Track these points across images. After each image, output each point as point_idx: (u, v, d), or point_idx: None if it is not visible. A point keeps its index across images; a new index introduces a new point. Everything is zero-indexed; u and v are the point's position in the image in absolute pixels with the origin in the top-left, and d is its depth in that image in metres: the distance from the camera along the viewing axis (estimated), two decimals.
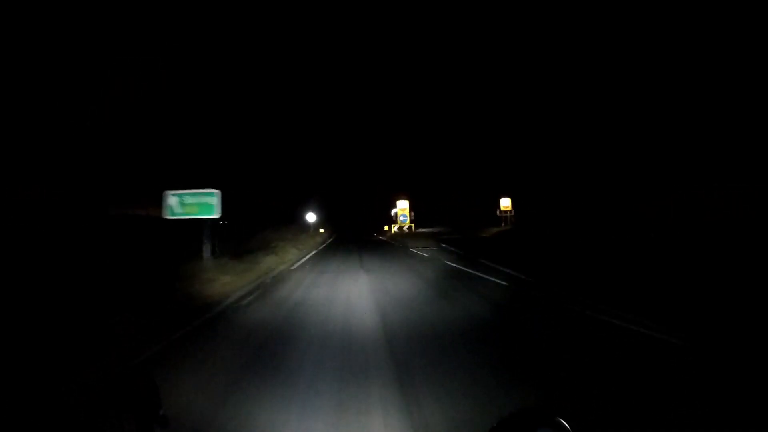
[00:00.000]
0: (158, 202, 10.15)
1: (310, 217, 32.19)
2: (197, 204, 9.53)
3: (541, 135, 36.38)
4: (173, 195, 9.88)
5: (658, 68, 21.67)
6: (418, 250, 17.30)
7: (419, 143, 72.20)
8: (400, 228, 34.27)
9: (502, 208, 35.40)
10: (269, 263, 11.47)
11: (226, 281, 8.25)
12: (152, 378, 1.27)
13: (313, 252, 18.21)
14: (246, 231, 20.22)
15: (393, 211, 37.78)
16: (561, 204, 30.30)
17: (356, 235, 39.42)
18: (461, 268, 10.57)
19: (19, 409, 2.76)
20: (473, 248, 17.24)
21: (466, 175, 45.75)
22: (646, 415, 2.65)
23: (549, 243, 18.65)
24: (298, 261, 13.79)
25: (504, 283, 7.93)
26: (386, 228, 41.50)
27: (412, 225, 34.63)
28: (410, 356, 3.84)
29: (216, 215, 9.45)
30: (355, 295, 7.16)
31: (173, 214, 9.89)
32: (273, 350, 4.18)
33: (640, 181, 21.18)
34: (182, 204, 9.78)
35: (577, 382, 3.22)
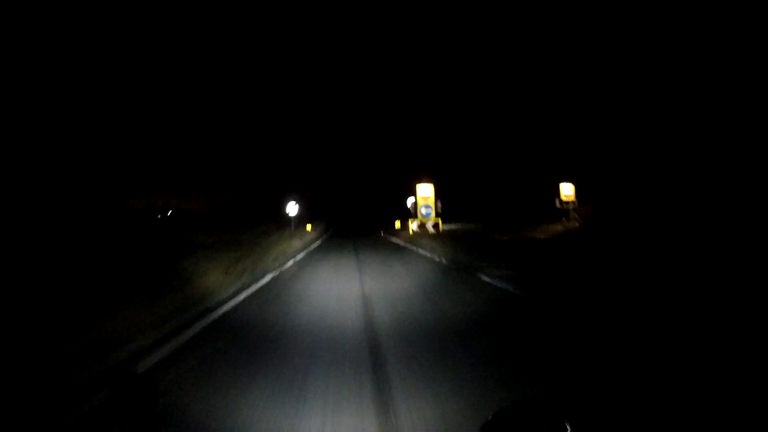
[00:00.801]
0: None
1: (292, 208, 22.01)
2: None
3: (609, 103, 26.70)
4: None
5: (657, 68, 21.22)
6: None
7: (440, 110, 59.44)
8: (421, 225, 23.71)
9: (564, 198, 25.10)
10: None
11: None
12: (151, 378, 1.20)
13: (263, 283, 8.05)
14: (193, 230, 17.89)
15: (410, 201, 27.22)
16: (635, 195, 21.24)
17: (357, 234, 29.37)
18: None
19: (19, 409, 2.62)
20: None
21: (506, 153, 35.35)
22: None
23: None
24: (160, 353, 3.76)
25: None
26: (398, 224, 31.10)
27: (439, 221, 24.00)
28: None
29: None
30: None
31: None
32: None
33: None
34: None
35: None
